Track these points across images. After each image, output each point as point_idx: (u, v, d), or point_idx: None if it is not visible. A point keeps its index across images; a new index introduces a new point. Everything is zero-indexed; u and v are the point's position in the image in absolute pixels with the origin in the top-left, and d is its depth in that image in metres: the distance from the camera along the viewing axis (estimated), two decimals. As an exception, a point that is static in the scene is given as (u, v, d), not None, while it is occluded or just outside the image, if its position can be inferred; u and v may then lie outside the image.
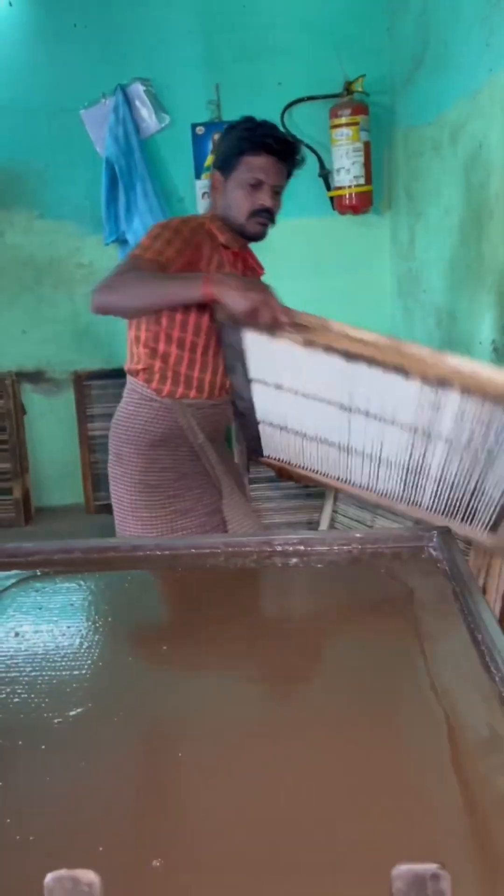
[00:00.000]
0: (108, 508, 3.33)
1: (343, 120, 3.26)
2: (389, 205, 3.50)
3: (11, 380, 3.65)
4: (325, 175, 3.44)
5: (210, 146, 3.47)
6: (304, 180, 3.50)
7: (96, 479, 3.70)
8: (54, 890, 0.48)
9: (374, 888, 0.58)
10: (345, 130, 3.26)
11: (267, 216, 1.77)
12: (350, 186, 3.33)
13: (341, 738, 0.78)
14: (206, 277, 1.55)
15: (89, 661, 0.94)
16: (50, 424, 3.80)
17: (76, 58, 3.39)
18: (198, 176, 3.46)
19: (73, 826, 0.68)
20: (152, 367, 1.73)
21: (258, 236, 1.80)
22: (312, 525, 2.76)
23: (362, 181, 3.31)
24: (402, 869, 0.48)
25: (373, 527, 2.17)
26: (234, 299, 1.49)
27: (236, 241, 1.81)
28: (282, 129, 3.38)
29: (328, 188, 3.45)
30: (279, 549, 1.23)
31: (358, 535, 1.28)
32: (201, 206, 3.42)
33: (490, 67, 2.14)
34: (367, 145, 3.29)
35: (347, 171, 3.30)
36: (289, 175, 1.81)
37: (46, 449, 3.83)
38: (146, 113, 3.39)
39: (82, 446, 3.72)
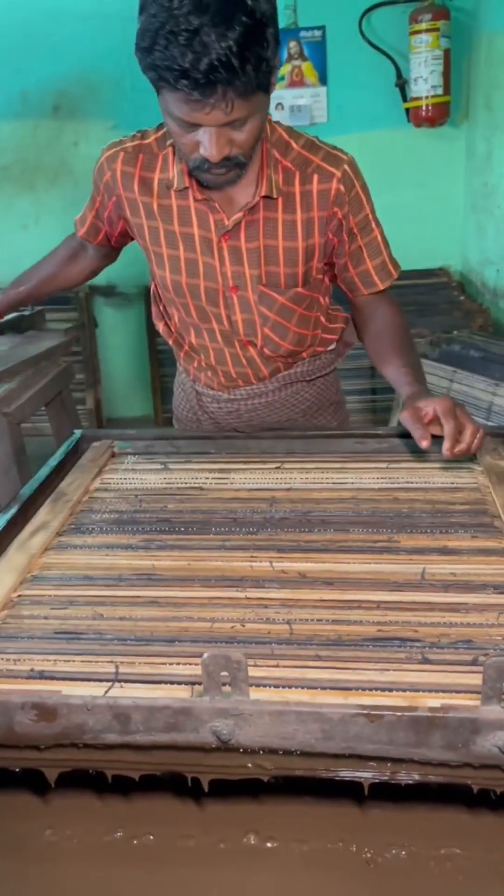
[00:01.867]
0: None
1: (423, 26, 3.16)
2: (467, 116, 3.42)
3: (84, 293, 3.76)
4: (402, 85, 3.37)
5: (286, 55, 3.42)
6: (379, 91, 3.43)
7: (164, 392, 3.82)
8: (210, 665, 0.60)
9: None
10: (424, 37, 3.17)
11: (228, 165, 1.08)
12: (427, 97, 3.25)
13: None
14: None
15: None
16: (121, 338, 3.93)
17: (151, -39, 3.34)
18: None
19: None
20: None
21: (222, 186, 1.16)
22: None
23: (440, 91, 3.24)
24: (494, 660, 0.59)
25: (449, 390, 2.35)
26: None
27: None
28: (359, 35, 3.35)
29: (404, 99, 3.38)
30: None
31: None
32: (276, 118, 3.39)
33: None
34: (446, 53, 3.20)
35: (425, 80, 3.23)
36: (261, 89, 1.01)
37: (117, 362, 3.96)
38: (221, 19, 3.34)
39: (152, 360, 3.84)
